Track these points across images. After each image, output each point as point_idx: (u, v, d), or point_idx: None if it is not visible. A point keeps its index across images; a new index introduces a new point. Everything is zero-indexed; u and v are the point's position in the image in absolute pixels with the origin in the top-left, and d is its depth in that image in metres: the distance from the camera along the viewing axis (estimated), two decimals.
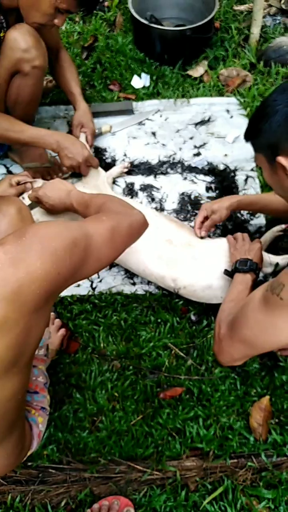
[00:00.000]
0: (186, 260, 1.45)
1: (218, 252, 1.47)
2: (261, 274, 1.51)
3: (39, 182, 1.58)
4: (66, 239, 0.79)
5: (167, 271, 1.46)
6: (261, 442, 1.29)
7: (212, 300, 1.47)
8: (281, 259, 1.41)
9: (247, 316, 1.04)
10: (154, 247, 1.47)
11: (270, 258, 1.43)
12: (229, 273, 1.39)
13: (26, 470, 1.26)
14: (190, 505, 1.21)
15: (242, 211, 1.70)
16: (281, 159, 0.95)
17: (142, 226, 1.05)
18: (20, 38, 1.47)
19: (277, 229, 1.58)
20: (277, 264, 1.45)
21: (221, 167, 1.84)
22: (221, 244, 1.49)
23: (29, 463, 1.27)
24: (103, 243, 0.89)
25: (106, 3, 2.50)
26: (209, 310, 1.49)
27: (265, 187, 1.77)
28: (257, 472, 1.26)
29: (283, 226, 1.57)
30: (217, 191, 1.78)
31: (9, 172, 1.85)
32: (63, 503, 1.23)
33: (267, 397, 1.33)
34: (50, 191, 1.29)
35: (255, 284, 1.35)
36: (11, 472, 1.26)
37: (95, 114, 1.94)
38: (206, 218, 1.52)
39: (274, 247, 1.59)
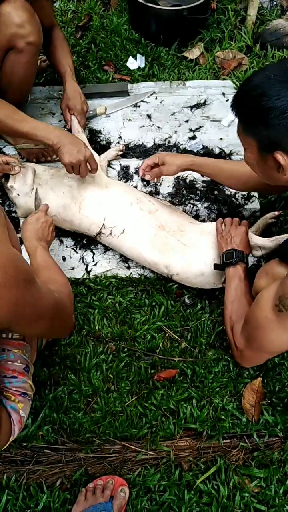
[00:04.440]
0: (178, 247, 1.45)
1: (210, 238, 1.47)
2: (253, 258, 1.52)
3: (28, 170, 1.56)
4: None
5: (160, 257, 1.46)
6: (253, 423, 1.31)
7: (205, 286, 1.48)
8: (269, 241, 1.41)
9: (265, 328, 1.11)
10: (147, 234, 1.47)
11: (259, 241, 1.43)
12: (219, 267, 1.42)
13: (21, 450, 1.27)
14: (183, 484, 1.23)
15: (237, 195, 1.70)
16: (279, 157, 0.99)
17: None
18: (14, 13, 1.42)
19: (270, 215, 1.58)
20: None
21: (217, 151, 1.83)
22: (212, 230, 1.49)
23: (24, 444, 1.28)
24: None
25: None
26: (203, 293, 1.50)
27: None
28: (249, 452, 1.29)
29: (276, 213, 1.58)
30: None
31: (2, 152, 1.81)
32: (58, 483, 1.24)
33: (259, 379, 1.35)
34: (29, 228, 1.35)
35: (249, 271, 1.37)
36: (6, 452, 1.26)
37: (90, 95, 1.91)
38: (157, 166, 1.51)
39: (268, 234, 1.59)
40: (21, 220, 1.63)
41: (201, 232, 1.49)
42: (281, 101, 0.94)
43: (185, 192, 1.72)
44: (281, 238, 1.35)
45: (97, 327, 1.45)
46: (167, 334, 1.45)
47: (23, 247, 1.34)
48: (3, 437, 1.05)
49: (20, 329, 0.87)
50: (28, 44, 1.48)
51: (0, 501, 1.20)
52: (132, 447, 1.28)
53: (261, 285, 1.21)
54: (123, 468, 1.26)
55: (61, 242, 1.63)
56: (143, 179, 1.75)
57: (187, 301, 1.51)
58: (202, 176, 1.68)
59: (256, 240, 1.42)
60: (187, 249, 1.45)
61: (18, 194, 1.55)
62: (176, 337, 1.44)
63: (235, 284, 1.33)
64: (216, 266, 1.43)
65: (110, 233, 1.51)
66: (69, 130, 1.77)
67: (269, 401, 1.34)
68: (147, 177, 1.52)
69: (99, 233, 1.53)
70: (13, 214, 1.66)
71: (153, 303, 1.50)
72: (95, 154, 1.67)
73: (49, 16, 1.72)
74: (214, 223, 1.51)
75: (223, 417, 1.31)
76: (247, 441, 1.29)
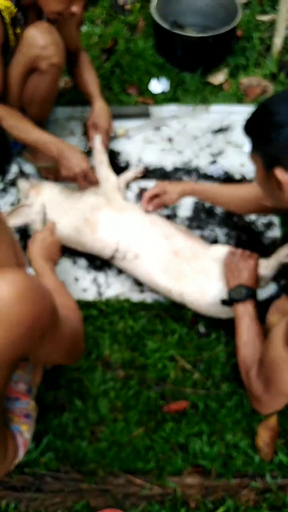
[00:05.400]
0: (191, 275, 1.42)
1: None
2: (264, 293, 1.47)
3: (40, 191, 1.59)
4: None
5: (173, 285, 1.43)
6: (266, 462, 1.24)
7: (220, 315, 1.43)
8: (275, 260, 1.37)
9: (280, 368, 1.05)
10: (161, 260, 1.44)
11: (265, 263, 1.39)
12: (227, 303, 1.36)
13: (22, 476, 1.23)
14: None
15: (257, 222, 1.67)
16: (277, 173, 1.00)
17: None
18: (39, 35, 1.46)
19: (285, 253, 1.45)
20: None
21: (237, 176, 1.81)
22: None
23: (26, 470, 1.23)
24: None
25: (128, 7, 2.49)
26: (219, 322, 1.46)
27: None
28: (261, 493, 1.22)
29: None
30: None
31: (21, 171, 1.83)
32: None
33: (275, 416, 1.29)
34: (35, 248, 1.33)
35: (259, 304, 1.32)
36: (7, 477, 1.22)
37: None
38: (156, 196, 1.53)
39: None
40: None
41: (217, 259, 1.44)
42: (281, 116, 0.97)
43: (203, 216, 1.70)
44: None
45: (107, 352, 1.41)
46: (179, 363, 1.40)
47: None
48: (9, 460, 1.03)
49: (38, 357, 0.86)
50: (51, 65, 1.51)
51: None
52: (137, 480, 1.23)
53: (274, 323, 1.17)
54: (126, 503, 1.20)
55: (74, 262, 1.61)
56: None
57: (201, 329, 1.46)
58: (264, 224, 1.68)
59: (263, 272, 1.37)
60: (201, 277, 1.42)
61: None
62: (189, 367, 1.39)
63: (246, 323, 1.26)
64: (223, 302, 1.38)
65: (124, 257, 1.48)
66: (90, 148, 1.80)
67: (284, 441, 1.27)
68: (150, 208, 1.53)
69: (113, 257, 1.51)
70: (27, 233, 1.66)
71: (166, 330, 1.46)
72: (111, 175, 1.67)
73: (74, 40, 1.76)
74: (225, 248, 1.46)
75: (234, 454, 1.25)
76: (259, 481, 1.22)
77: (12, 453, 1.03)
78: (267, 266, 1.40)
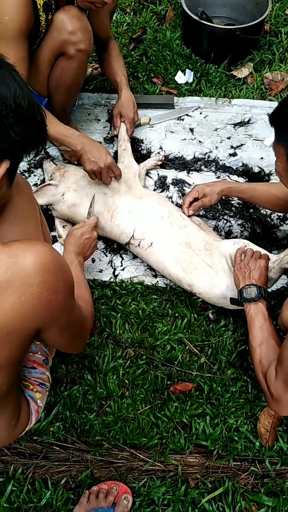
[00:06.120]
0: (202, 268, 1.44)
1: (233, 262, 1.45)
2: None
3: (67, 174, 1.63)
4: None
5: (184, 275, 1.46)
6: (266, 448, 1.27)
7: (229, 307, 1.45)
8: (285, 255, 1.37)
9: None
10: (174, 250, 1.47)
11: (274, 257, 1.40)
12: (237, 302, 1.36)
13: (31, 443, 1.28)
14: (188, 501, 1.21)
15: (272, 215, 1.69)
16: None
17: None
18: (68, 20, 1.47)
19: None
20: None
21: (256, 169, 1.82)
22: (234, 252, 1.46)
23: (35, 437, 1.29)
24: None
25: None
26: (228, 310, 1.48)
27: None
28: (259, 478, 1.25)
29: None
30: None
31: (46, 153, 1.87)
32: (63, 481, 1.24)
33: None
34: (71, 242, 1.38)
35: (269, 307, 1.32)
36: (16, 443, 1.27)
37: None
38: (196, 199, 1.55)
39: None
40: (56, 220, 1.66)
41: (228, 253, 1.45)
42: None
43: (219, 207, 1.72)
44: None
45: (118, 331, 1.46)
46: (187, 347, 1.43)
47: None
48: (21, 425, 1.07)
49: (48, 336, 0.88)
50: (78, 51, 1.52)
51: (5, 490, 1.21)
52: (140, 456, 1.27)
53: None
54: (129, 476, 1.25)
55: None
56: (180, 192, 1.76)
57: (211, 316, 1.50)
58: (279, 217, 1.69)
59: (273, 275, 1.37)
60: (211, 271, 1.44)
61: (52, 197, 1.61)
62: (196, 351, 1.43)
63: (259, 323, 1.25)
64: (233, 301, 1.38)
65: (139, 245, 1.52)
66: (116, 136, 1.82)
67: (285, 428, 1.30)
68: (190, 213, 1.56)
69: (128, 243, 1.55)
70: (49, 212, 1.70)
71: (176, 314, 1.49)
72: (134, 162, 1.70)
73: (105, 28, 1.77)
74: (236, 244, 1.46)
75: (236, 438, 1.28)
76: (258, 466, 1.25)
77: (25, 419, 1.08)
78: (273, 270, 1.38)
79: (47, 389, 1.14)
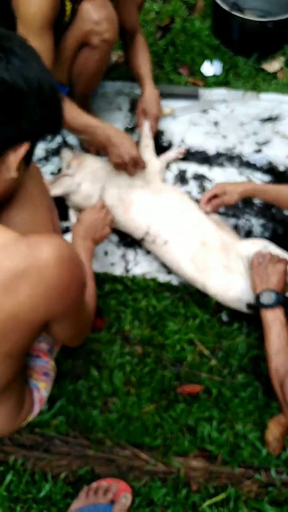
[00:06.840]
0: (217, 268, 1.40)
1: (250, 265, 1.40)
2: None
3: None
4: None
5: (198, 276, 1.42)
6: (273, 457, 1.23)
7: (243, 310, 1.41)
8: None
9: None
10: (189, 249, 1.43)
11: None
12: (254, 308, 1.32)
13: (32, 435, 1.27)
14: (189, 505, 1.18)
15: None
16: None
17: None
18: (93, 10, 1.45)
19: None
20: None
21: (281, 168, 1.76)
22: (252, 255, 1.41)
23: (36, 429, 1.27)
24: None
25: None
26: (242, 313, 1.43)
27: None
28: (264, 487, 1.21)
29: None
30: None
31: (65, 142, 1.84)
32: (63, 475, 1.23)
33: None
34: (85, 223, 1.36)
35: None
36: (17, 435, 1.26)
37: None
38: (216, 196, 1.49)
39: None
40: (71, 211, 1.64)
41: (245, 255, 1.41)
42: None
43: (240, 205, 1.67)
44: None
45: (127, 327, 1.43)
46: (197, 348, 1.40)
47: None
48: (24, 413, 1.07)
49: (54, 328, 0.88)
50: (102, 41, 1.49)
51: (4, 480, 1.20)
52: (142, 455, 1.24)
53: None
54: (129, 475, 1.23)
55: None
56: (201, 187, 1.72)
57: (224, 317, 1.45)
58: (264, 202, 1.63)
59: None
60: (227, 272, 1.40)
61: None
62: (207, 352, 1.39)
63: (276, 330, 1.21)
64: (250, 307, 1.35)
65: (154, 241, 1.48)
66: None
67: None
68: (208, 209, 1.51)
69: (143, 239, 1.51)
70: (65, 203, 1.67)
71: (188, 314, 1.45)
72: (155, 160, 1.66)
73: (132, 20, 1.73)
74: (254, 246, 1.42)
75: (242, 444, 1.25)
76: (263, 474, 1.21)
77: (28, 407, 1.07)
78: None
79: (51, 379, 1.13)
